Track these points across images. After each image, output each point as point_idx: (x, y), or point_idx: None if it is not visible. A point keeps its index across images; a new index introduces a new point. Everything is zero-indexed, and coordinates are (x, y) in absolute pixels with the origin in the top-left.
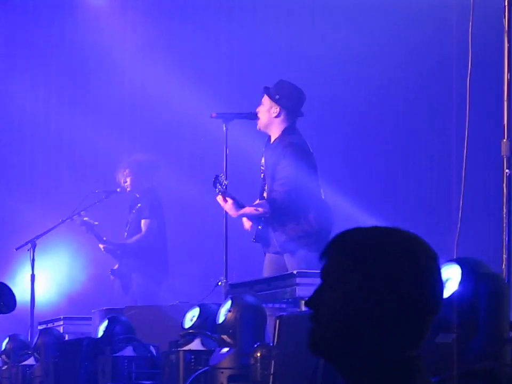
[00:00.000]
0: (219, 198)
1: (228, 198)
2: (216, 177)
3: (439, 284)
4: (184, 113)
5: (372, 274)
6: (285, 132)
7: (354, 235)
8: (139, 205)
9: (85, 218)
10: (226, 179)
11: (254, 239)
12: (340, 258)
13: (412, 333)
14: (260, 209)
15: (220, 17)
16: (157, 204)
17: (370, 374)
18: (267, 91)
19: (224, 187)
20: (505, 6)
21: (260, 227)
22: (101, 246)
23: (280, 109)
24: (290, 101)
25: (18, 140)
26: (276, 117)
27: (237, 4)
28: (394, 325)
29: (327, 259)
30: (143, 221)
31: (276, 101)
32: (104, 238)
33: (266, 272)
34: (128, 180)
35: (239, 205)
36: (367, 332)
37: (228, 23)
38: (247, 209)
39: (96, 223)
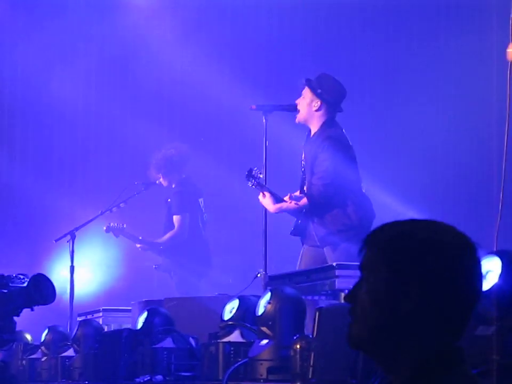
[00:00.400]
0: (260, 198)
1: (265, 193)
2: (250, 170)
3: (478, 276)
4: (224, 104)
5: (403, 267)
6: (324, 125)
7: (390, 228)
8: (169, 199)
9: (111, 224)
10: (261, 173)
11: (292, 232)
12: (374, 252)
13: (451, 325)
14: (299, 203)
15: (259, 9)
16: (187, 197)
17: (410, 366)
18: (309, 84)
19: (258, 181)
20: None
21: (299, 221)
22: (137, 245)
23: (321, 103)
24: (332, 96)
25: (59, 131)
26: (317, 110)
27: None
28: (429, 317)
29: (364, 252)
30: (174, 217)
31: (318, 95)
32: (140, 237)
33: (303, 264)
34: (160, 175)
35: (276, 199)
36: (400, 326)
37: (267, 15)
38: (285, 204)
39: (124, 225)
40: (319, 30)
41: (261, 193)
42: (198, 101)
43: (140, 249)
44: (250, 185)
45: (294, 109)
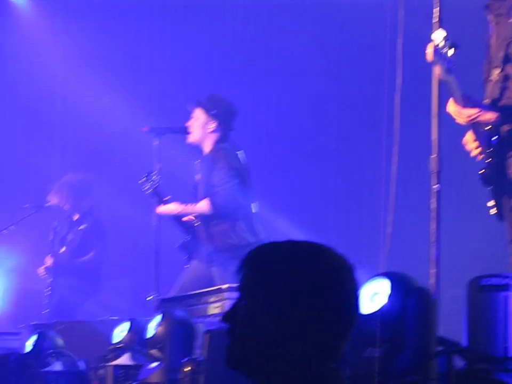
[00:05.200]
0: (159, 209)
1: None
2: (148, 174)
3: (355, 299)
4: (116, 128)
5: (279, 289)
6: (218, 142)
7: (267, 250)
8: (84, 225)
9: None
10: (159, 177)
11: (180, 246)
12: (251, 273)
13: (326, 347)
14: (202, 207)
15: (151, 30)
16: (101, 225)
17: None
18: (202, 105)
19: (156, 184)
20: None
21: (187, 237)
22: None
23: (215, 124)
24: (225, 116)
25: None
26: (212, 132)
27: (171, 16)
28: (304, 339)
29: (242, 274)
30: (90, 243)
31: (212, 116)
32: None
33: (188, 280)
34: (65, 200)
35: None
36: (276, 347)
37: (159, 35)
38: (190, 206)
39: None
40: (209, 51)
41: (160, 205)
42: (89, 125)
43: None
44: (147, 188)
45: (186, 131)
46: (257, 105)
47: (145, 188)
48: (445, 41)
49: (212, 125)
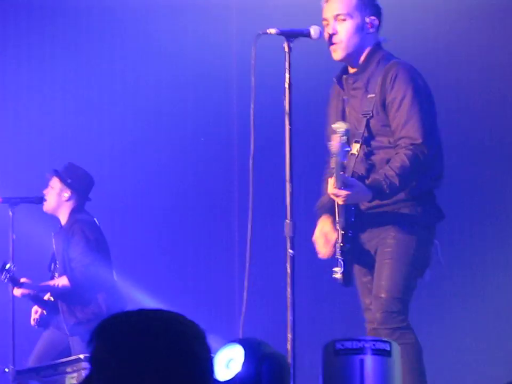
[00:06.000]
0: (16, 292)
1: (21, 280)
2: (4, 264)
3: (207, 363)
4: None
5: (132, 360)
6: (73, 213)
7: (118, 320)
8: None
9: None
10: (14, 266)
11: (36, 324)
12: (103, 344)
13: None
14: (61, 283)
15: None
16: None
17: None
18: (58, 174)
19: (11, 274)
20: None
21: (44, 312)
22: None
23: (71, 192)
24: (81, 185)
25: None
26: (67, 200)
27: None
28: None
29: (93, 345)
30: None
31: (68, 185)
32: None
33: (43, 347)
34: None
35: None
36: None
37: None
38: (50, 282)
39: None
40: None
41: (16, 286)
42: None
43: None
44: (3, 278)
45: (41, 201)
46: None
47: (1, 278)
48: (347, 135)
49: (67, 193)
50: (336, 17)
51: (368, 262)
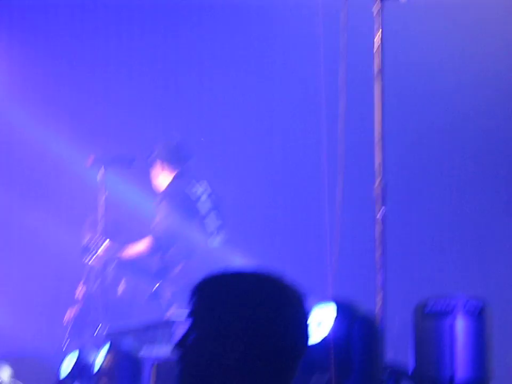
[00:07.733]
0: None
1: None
2: (87, 247)
3: (303, 328)
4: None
5: (227, 318)
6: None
7: (217, 278)
8: None
9: None
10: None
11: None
12: (201, 301)
13: (276, 376)
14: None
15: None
16: None
17: None
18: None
19: (96, 250)
20: None
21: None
22: None
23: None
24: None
25: None
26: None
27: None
28: (252, 368)
29: (193, 301)
30: None
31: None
32: None
33: None
34: None
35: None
36: (224, 374)
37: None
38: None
39: None
40: None
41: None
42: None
43: None
44: (91, 258)
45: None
46: None
47: (88, 259)
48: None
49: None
50: None
51: None
